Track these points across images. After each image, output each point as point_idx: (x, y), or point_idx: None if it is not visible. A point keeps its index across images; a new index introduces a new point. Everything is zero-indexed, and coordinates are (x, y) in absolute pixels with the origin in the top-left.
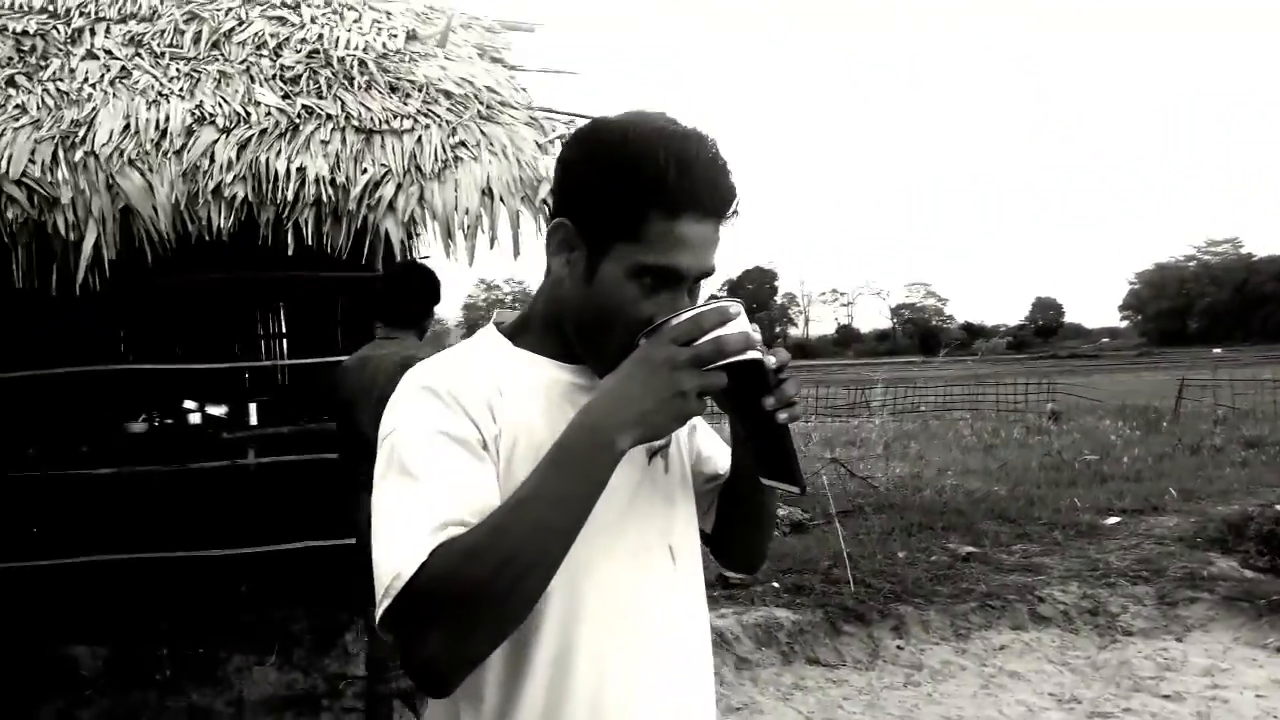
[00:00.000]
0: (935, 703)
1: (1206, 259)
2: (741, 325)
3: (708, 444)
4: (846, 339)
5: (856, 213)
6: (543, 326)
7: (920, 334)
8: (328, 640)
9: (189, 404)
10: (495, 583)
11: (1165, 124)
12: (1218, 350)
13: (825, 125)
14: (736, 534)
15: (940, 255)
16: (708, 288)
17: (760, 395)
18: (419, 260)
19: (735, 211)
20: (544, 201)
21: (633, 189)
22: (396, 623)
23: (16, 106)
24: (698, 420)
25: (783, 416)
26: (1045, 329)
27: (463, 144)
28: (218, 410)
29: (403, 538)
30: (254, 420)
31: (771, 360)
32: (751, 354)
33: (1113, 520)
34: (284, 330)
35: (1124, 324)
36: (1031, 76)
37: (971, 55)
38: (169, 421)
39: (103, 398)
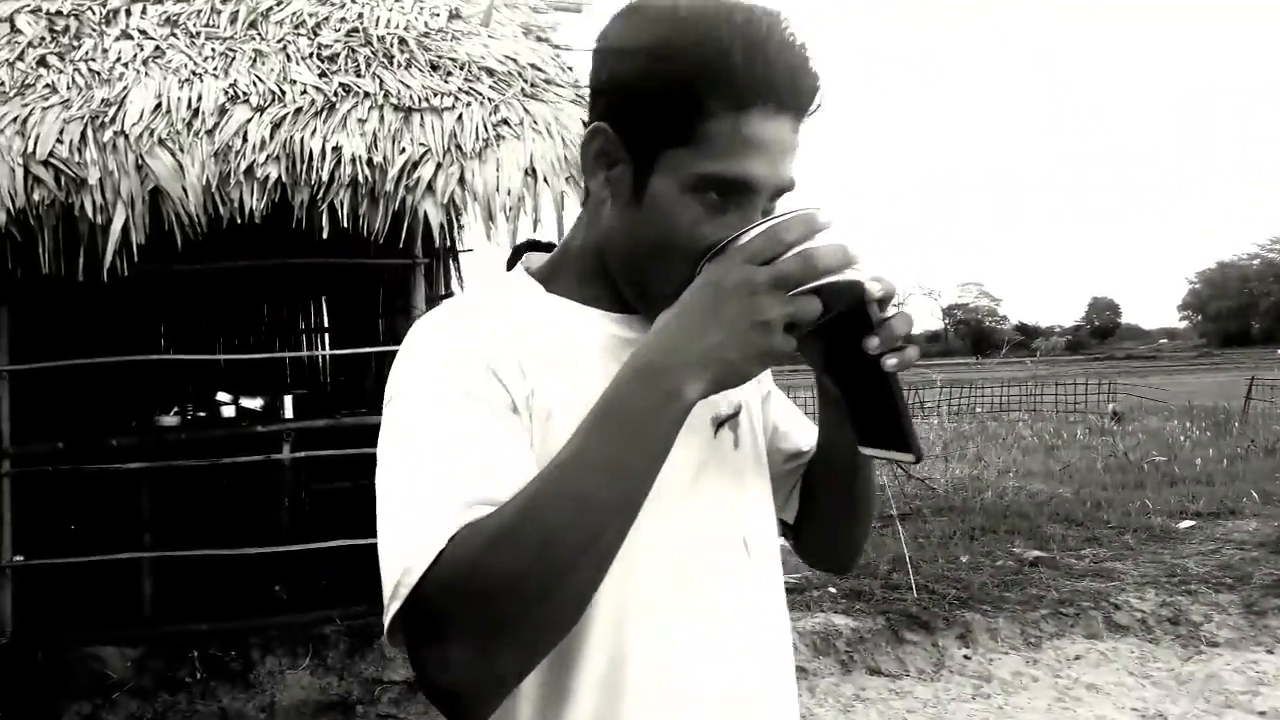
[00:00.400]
0: (1007, 716)
1: (1271, 257)
2: (835, 237)
3: (785, 415)
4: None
5: (905, 211)
6: (580, 267)
7: (973, 335)
8: (364, 643)
9: (223, 397)
10: (532, 575)
11: (1207, 119)
12: None
13: (846, 121)
14: (827, 524)
15: (993, 254)
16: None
17: (860, 334)
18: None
19: (819, 106)
20: None
21: (688, 77)
22: (409, 632)
23: (46, 86)
24: (771, 386)
25: (891, 363)
26: (1102, 330)
27: (505, 122)
28: (253, 403)
29: (414, 524)
30: (289, 414)
31: (875, 286)
32: (851, 274)
33: (1186, 524)
34: (325, 324)
35: (1183, 324)
36: (1049, 70)
37: (988, 50)
38: (202, 415)
39: (133, 389)
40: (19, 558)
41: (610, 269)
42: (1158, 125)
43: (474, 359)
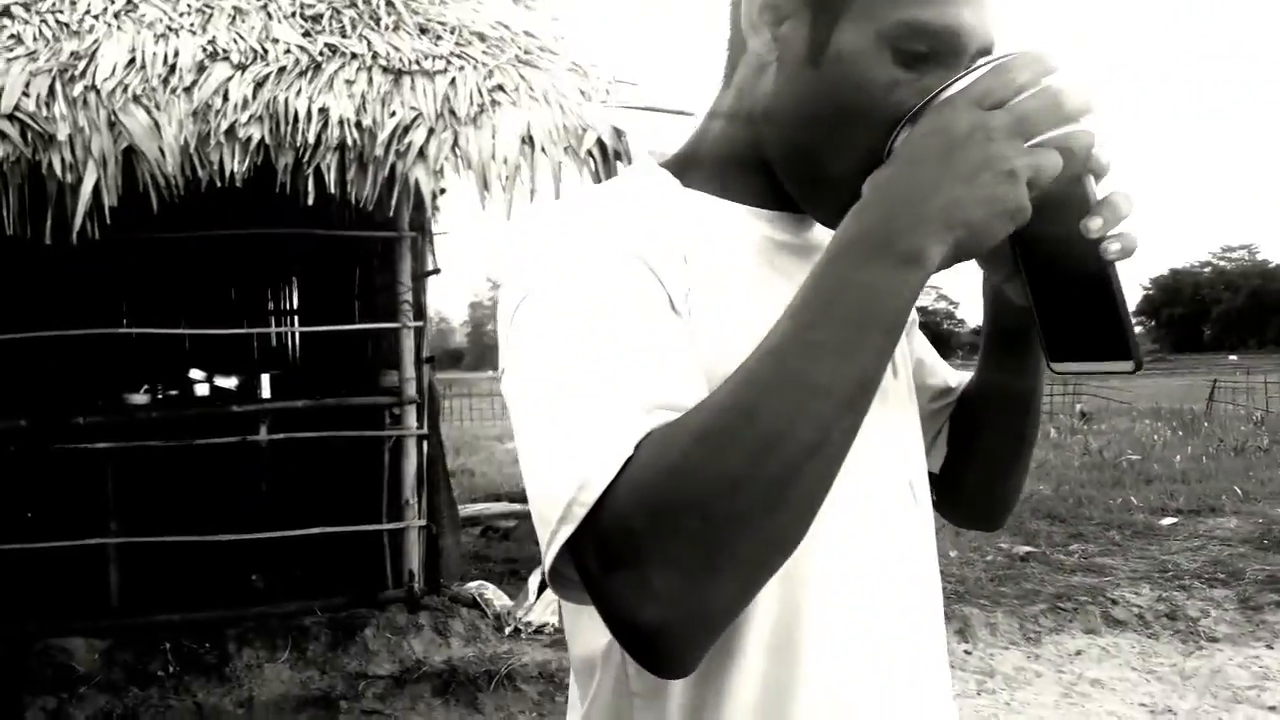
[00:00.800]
0: (1015, 712)
1: (1222, 265)
2: (1070, 82)
3: (928, 349)
4: None
5: None
6: (722, 155)
7: (931, 338)
8: (346, 636)
9: (196, 374)
10: (754, 478)
11: (1175, 129)
12: (1233, 357)
13: None
14: (984, 471)
15: None
16: None
17: (1075, 214)
18: None
19: None
20: (589, 153)
21: None
22: (590, 562)
23: (11, 37)
24: (915, 314)
25: (1115, 249)
26: None
27: (500, 88)
28: (227, 382)
29: (585, 433)
30: (266, 394)
31: (1105, 154)
32: (1086, 125)
33: (1169, 521)
34: (295, 306)
35: (1137, 329)
36: None
37: None
38: (174, 393)
39: (101, 364)
40: None
41: (768, 151)
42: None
43: (625, 249)
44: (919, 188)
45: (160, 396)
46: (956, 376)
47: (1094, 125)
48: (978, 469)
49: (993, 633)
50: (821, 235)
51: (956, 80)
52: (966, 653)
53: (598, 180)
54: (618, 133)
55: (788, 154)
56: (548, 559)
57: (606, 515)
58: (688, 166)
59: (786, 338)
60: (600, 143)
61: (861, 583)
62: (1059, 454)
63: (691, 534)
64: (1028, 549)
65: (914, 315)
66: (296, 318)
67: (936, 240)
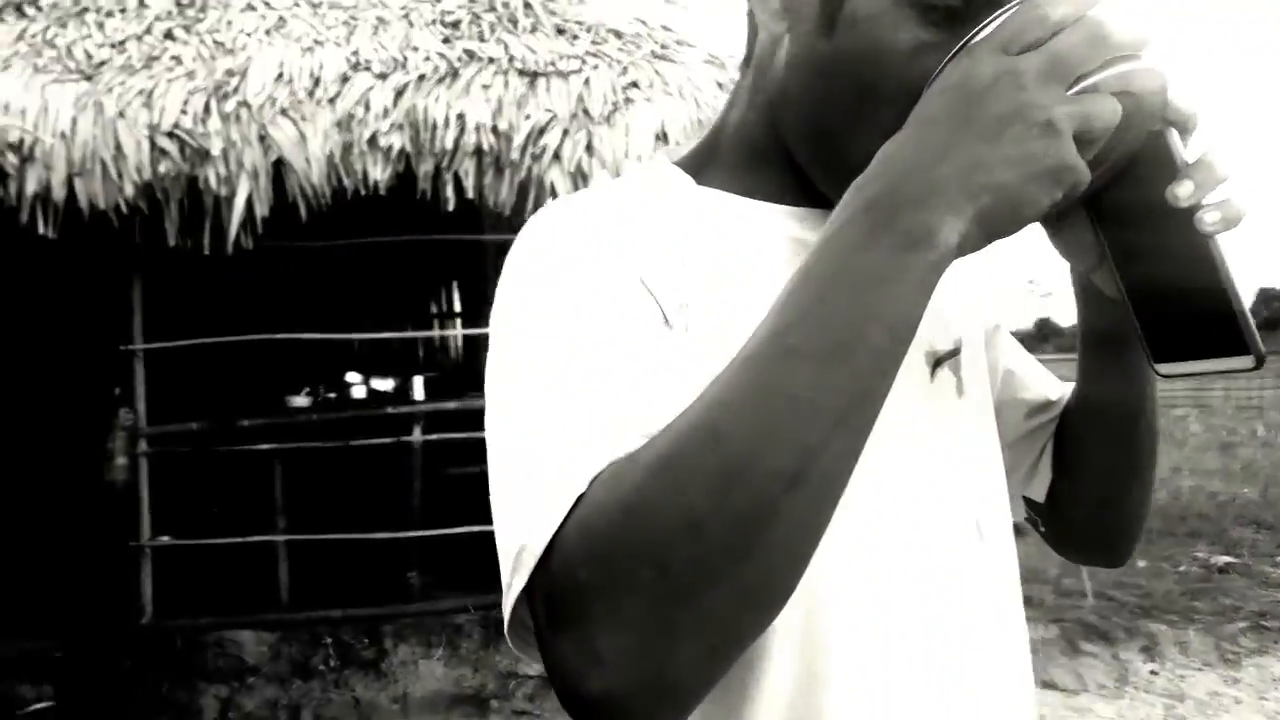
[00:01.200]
0: None
1: None
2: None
3: (1019, 357)
4: (1045, 333)
5: None
6: (741, 147)
7: None
8: (498, 634)
9: (353, 377)
10: (721, 514)
11: None
12: None
13: None
14: (1096, 497)
15: None
16: None
17: (1162, 181)
18: None
19: None
20: None
21: None
22: (539, 619)
23: (172, 58)
24: (999, 319)
25: (1212, 220)
26: (1271, 321)
27: (634, 84)
28: (383, 385)
29: (542, 471)
30: (420, 395)
31: (1181, 101)
32: (1149, 63)
33: None
34: (457, 308)
35: None
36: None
37: None
38: (332, 395)
39: (264, 369)
40: (165, 538)
41: (787, 138)
42: None
43: (612, 261)
44: (930, 150)
45: (320, 399)
46: (1059, 389)
47: (1159, 63)
48: (1087, 495)
49: (1184, 652)
50: None
51: (981, 29)
52: (1153, 673)
53: None
54: None
55: (806, 138)
56: (505, 611)
57: (555, 564)
58: (705, 162)
59: (764, 342)
60: None
61: (906, 642)
62: (1268, 453)
63: (645, 587)
64: (1228, 559)
65: (996, 320)
66: (459, 321)
67: (953, 211)
